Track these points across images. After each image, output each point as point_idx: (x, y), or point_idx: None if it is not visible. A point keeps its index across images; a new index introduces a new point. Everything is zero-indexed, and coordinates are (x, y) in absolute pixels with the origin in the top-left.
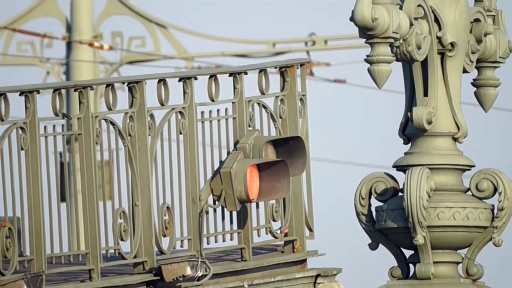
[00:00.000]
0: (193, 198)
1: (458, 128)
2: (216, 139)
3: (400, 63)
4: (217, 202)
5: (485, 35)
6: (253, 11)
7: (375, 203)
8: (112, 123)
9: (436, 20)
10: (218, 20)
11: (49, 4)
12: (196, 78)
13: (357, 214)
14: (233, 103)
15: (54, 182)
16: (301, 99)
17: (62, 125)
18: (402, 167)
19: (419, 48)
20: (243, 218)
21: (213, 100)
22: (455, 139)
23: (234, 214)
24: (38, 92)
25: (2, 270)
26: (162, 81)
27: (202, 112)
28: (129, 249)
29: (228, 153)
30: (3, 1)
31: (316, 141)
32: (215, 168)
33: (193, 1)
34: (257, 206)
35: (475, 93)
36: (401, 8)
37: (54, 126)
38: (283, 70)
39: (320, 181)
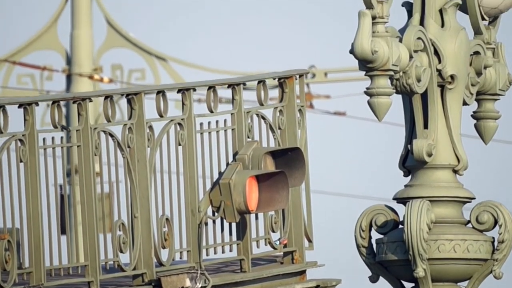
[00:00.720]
0: (192, 210)
1: (458, 161)
2: (215, 150)
3: (400, 96)
4: (216, 214)
5: (485, 67)
6: (253, 43)
7: (375, 235)
8: (111, 135)
9: (436, 52)
10: (218, 52)
11: (49, 37)
12: (194, 90)
13: (358, 246)
14: (232, 114)
15: (53, 194)
16: (299, 110)
17: (61, 137)
18: (402, 200)
19: (419, 80)
20: (242, 230)
21: (212, 112)
22: (455, 172)
23: (234, 225)
24: (37, 104)
25: (2, 283)
26: (161, 92)
27: (201, 124)
28: (128, 261)
29: (227, 164)
30: (3, 34)
31: (316, 174)
32: (214, 180)
33: (193, 34)
34: (256, 217)
35: (475, 125)
36: (400, 40)
37: (53, 138)
38: (282, 81)
39: (320, 214)
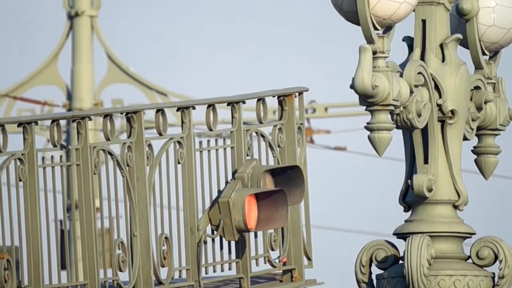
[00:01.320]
0: (191, 228)
1: (459, 196)
2: (214, 168)
3: (400, 130)
4: (215, 232)
5: (486, 102)
6: (253, 77)
7: (375, 271)
8: (110, 154)
9: (437, 87)
10: (218, 85)
11: (50, 72)
12: (194, 108)
13: (358, 282)
14: (231, 132)
15: (53, 212)
16: (299, 128)
17: (61, 156)
18: (402, 235)
19: (419, 115)
20: (241, 248)
21: (211, 130)
22: (455, 207)
23: (233, 243)
24: (36, 123)
25: None
26: (160, 111)
27: (200, 142)
28: (127, 280)
29: (227, 182)
30: (3, 69)
31: (316, 209)
32: (213, 198)
33: (193, 67)
34: (256, 236)
35: (475, 160)
36: (401, 75)
37: (52, 157)
38: (281, 99)
39: (321, 249)
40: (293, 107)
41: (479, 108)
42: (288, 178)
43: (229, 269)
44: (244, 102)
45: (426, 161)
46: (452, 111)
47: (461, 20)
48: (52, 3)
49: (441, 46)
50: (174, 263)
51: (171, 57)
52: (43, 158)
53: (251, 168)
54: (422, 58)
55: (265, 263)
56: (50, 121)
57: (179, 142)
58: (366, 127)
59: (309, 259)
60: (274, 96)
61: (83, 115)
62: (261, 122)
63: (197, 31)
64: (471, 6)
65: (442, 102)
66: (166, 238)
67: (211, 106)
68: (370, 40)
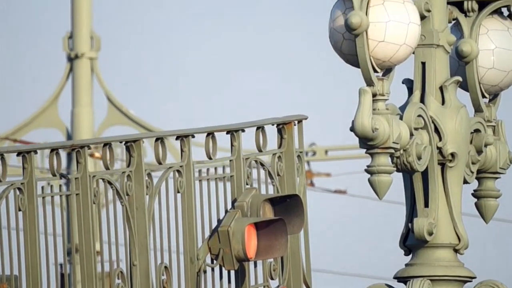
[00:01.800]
0: (191, 257)
1: (459, 239)
2: (214, 197)
3: (400, 173)
4: (215, 261)
5: (486, 145)
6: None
7: None
8: (110, 183)
9: (436, 130)
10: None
11: (50, 114)
12: (193, 136)
13: None
14: (230, 161)
15: (52, 241)
16: (298, 156)
17: (60, 185)
18: (403, 278)
19: (419, 158)
20: (241, 277)
21: (210, 158)
22: (456, 250)
23: (232, 272)
24: (35, 152)
25: None
26: (159, 139)
27: (200, 171)
28: None
29: (226, 211)
30: (3, 112)
31: (317, 252)
32: (213, 227)
33: (193, 110)
34: (255, 265)
35: (475, 204)
36: (401, 118)
37: (51, 186)
38: (281, 127)
39: None
40: (293, 135)
41: (479, 151)
42: (287, 207)
43: None
44: (243, 131)
45: (426, 204)
46: (452, 154)
47: (460, 62)
48: (52, 45)
49: (441, 88)
50: None
51: (170, 99)
52: (42, 188)
53: (250, 197)
54: (422, 100)
55: None
56: (49, 150)
57: (178, 171)
58: (366, 170)
59: (308, 287)
60: (273, 124)
61: (83, 144)
62: (260, 151)
63: (196, 69)
64: (471, 49)
65: (442, 145)
66: (165, 267)
67: (210, 134)
68: (369, 83)
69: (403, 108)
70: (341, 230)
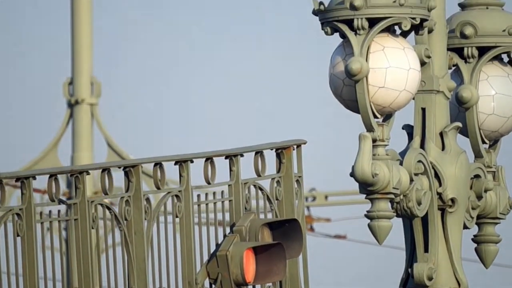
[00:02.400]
0: (189, 282)
1: (459, 284)
2: (212, 221)
3: (400, 219)
4: (213, 286)
5: (486, 191)
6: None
7: None
8: (108, 208)
9: (436, 175)
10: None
11: (50, 159)
12: (192, 161)
13: None
14: (229, 185)
15: (51, 268)
16: (297, 181)
17: (59, 211)
18: None
19: (419, 204)
20: None
21: (209, 183)
22: None
23: None
24: (34, 178)
25: None
26: (158, 164)
27: (198, 195)
28: None
29: (225, 236)
30: (4, 157)
31: None
32: (212, 251)
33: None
34: None
35: (475, 249)
36: (401, 163)
37: (50, 211)
38: (280, 152)
39: None
40: (291, 160)
41: (479, 197)
42: (286, 232)
43: None
44: (242, 155)
45: (426, 249)
46: (452, 200)
47: (460, 108)
48: (52, 91)
49: (441, 134)
50: None
51: (171, 144)
52: (40, 213)
53: (249, 221)
54: (422, 146)
55: None
56: (48, 176)
57: (177, 196)
58: (366, 215)
59: None
60: (272, 149)
61: (81, 170)
62: (259, 175)
63: (198, 115)
64: (471, 95)
65: (442, 191)
66: None
67: (209, 159)
68: (369, 128)
69: (403, 153)
70: (341, 275)
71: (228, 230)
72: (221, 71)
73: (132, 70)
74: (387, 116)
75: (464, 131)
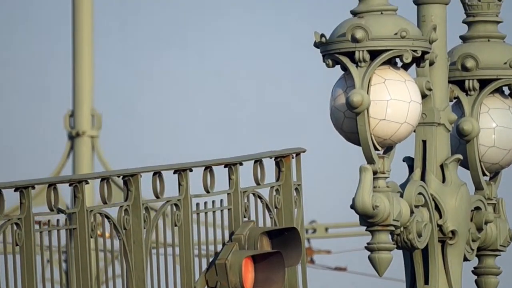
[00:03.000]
0: None
1: None
2: (211, 230)
3: (400, 251)
4: None
5: (486, 223)
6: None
7: None
8: (107, 217)
9: (437, 208)
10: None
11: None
12: (191, 170)
13: None
14: (228, 194)
15: (49, 277)
16: (296, 189)
17: (57, 220)
18: None
19: (419, 236)
20: None
21: (208, 192)
22: None
23: None
24: (33, 187)
25: None
26: (157, 173)
27: (197, 204)
28: None
29: (223, 244)
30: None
31: None
32: (210, 260)
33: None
34: None
35: (476, 281)
36: (401, 195)
37: (48, 221)
38: (279, 160)
39: None
40: (290, 168)
41: (479, 229)
42: (285, 240)
43: None
44: (241, 164)
45: (426, 281)
46: (453, 232)
47: (461, 140)
48: (52, 124)
49: (442, 166)
50: None
51: (171, 182)
52: (39, 223)
53: (248, 230)
54: (423, 178)
55: None
56: (47, 185)
57: (176, 205)
58: (366, 247)
59: None
60: (271, 158)
61: (80, 179)
62: (258, 184)
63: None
64: (472, 127)
65: (442, 223)
66: None
67: (208, 168)
68: (370, 161)
69: (403, 185)
70: None
71: (227, 238)
72: (219, 82)
73: (133, 101)
74: (388, 148)
75: (464, 163)
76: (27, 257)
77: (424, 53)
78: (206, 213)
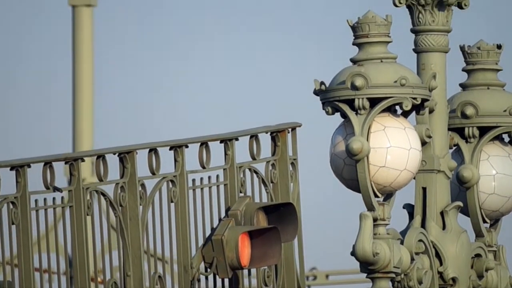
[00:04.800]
0: (184, 266)
1: None
2: (208, 206)
3: None
4: (208, 270)
5: (487, 270)
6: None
7: None
8: (103, 194)
9: (437, 255)
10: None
11: (50, 240)
12: (187, 146)
13: None
14: (224, 169)
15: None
16: (292, 163)
17: (53, 198)
18: None
19: (420, 283)
20: (235, 284)
21: (204, 168)
22: None
23: (226, 280)
24: (29, 166)
25: None
26: (153, 150)
27: (193, 180)
28: None
29: (220, 220)
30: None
31: None
32: (207, 236)
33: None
34: (249, 273)
35: None
36: (402, 242)
37: (45, 199)
38: (274, 135)
39: None
40: (286, 143)
41: (480, 276)
42: (281, 215)
43: None
44: (237, 139)
45: None
46: (453, 279)
47: (461, 187)
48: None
49: (442, 213)
50: None
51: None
52: (36, 201)
53: (244, 205)
54: (423, 225)
55: None
56: (43, 163)
57: (172, 181)
58: None
59: None
60: (267, 132)
61: (76, 157)
62: (254, 159)
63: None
64: (472, 175)
65: (443, 270)
66: (159, 277)
67: (204, 144)
68: (370, 208)
69: (404, 232)
70: None
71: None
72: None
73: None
74: (388, 195)
75: (465, 210)
76: (23, 235)
77: (423, 100)
78: (202, 189)
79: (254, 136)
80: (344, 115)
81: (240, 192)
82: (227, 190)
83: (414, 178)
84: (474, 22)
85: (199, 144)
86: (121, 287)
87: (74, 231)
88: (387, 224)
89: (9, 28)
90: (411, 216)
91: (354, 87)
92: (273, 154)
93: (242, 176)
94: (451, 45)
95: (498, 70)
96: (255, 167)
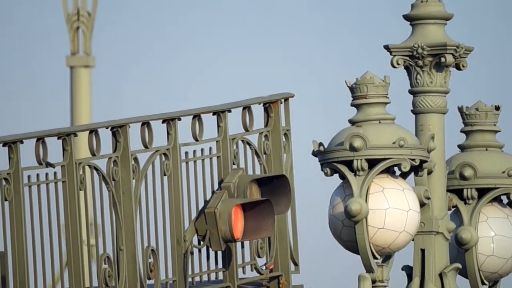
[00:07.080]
0: (177, 239)
1: None
2: (201, 179)
3: None
4: (202, 242)
5: None
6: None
7: None
8: (96, 169)
9: None
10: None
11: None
12: (179, 119)
13: None
14: (217, 141)
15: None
16: (285, 134)
17: (46, 174)
18: None
19: None
20: (228, 257)
21: (197, 140)
22: None
23: (219, 253)
24: (21, 142)
25: None
26: (145, 124)
27: (186, 153)
28: None
29: (213, 192)
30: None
31: None
32: (200, 208)
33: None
34: (242, 246)
35: None
36: None
37: (37, 175)
38: (267, 106)
39: None
40: (279, 114)
41: None
42: (274, 187)
43: (216, 278)
44: (229, 111)
45: None
46: None
47: (460, 249)
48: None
49: (440, 275)
50: (161, 275)
51: None
52: (28, 177)
53: (237, 177)
54: (422, 287)
55: (252, 270)
56: (35, 139)
57: (165, 154)
58: None
59: (296, 264)
60: (260, 104)
61: (69, 132)
62: (247, 130)
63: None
64: (470, 236)
65: None
66: (152, 250)
67: (196, 116)
68: (369, 269)
69: None
70: None
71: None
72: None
73: None
74: (387, 257)
75: (463, 272)
76: (16, 211)
77: (422, 162)
78: (195, 161)
79: (247, 108)
80: (342, 176)
81: (233, 164)
82: (220, 162)
83: (413, 240)
84: (472, 83)
85: (191, 116)
86: (114, 261)
87: (67, 206)
88: (385, 286)
89: (9, 91)
90: (410, 278)
91: (352, 148)
92: (266, 125)
93: (235, 148)
94: (449, 106)
95: (496, 131)
96: (248, 138)
